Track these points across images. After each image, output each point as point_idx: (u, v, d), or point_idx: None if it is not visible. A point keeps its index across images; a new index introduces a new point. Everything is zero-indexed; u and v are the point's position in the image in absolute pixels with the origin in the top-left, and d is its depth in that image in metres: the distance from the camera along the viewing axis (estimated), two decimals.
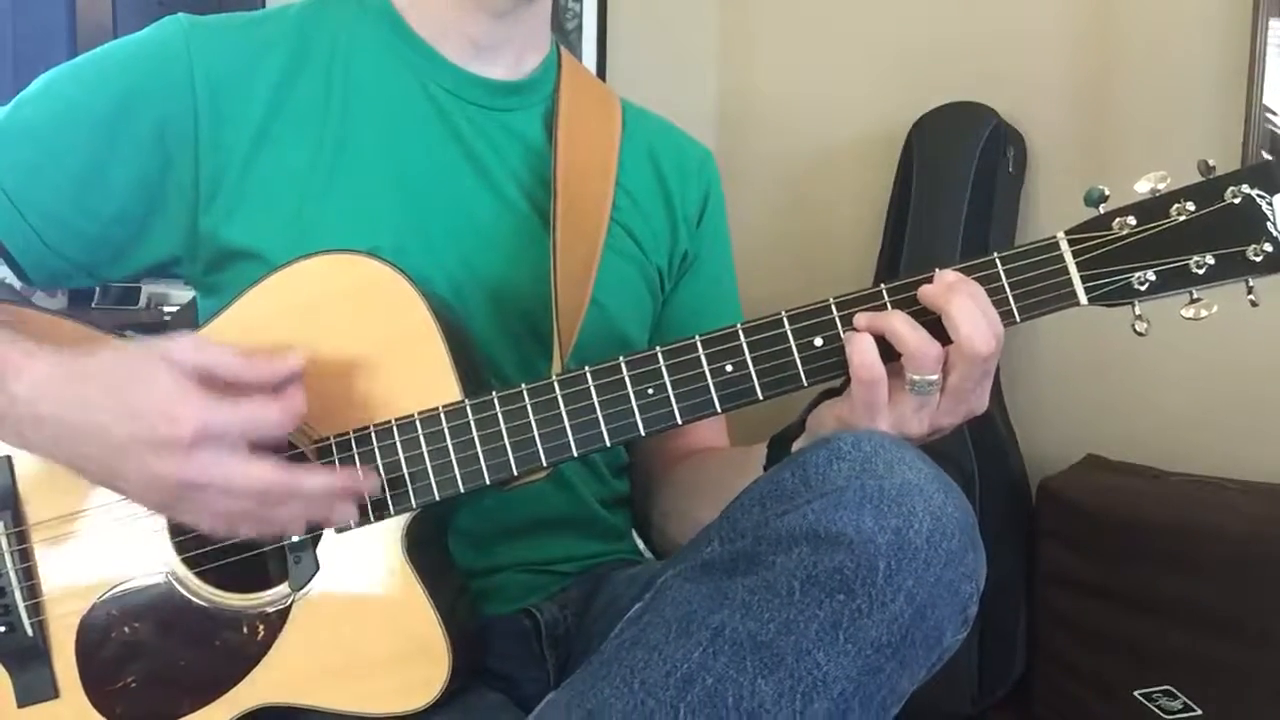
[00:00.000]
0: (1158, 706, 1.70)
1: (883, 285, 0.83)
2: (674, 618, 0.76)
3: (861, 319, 0.82)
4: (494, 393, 0.85)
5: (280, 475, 0.79)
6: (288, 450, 0.85)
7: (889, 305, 0.83)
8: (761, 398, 0.84)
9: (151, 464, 0.77)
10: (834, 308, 0.84)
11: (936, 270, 0.82)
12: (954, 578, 0.75)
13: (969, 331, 0.79)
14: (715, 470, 1.06)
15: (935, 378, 0.81)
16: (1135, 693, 1.72)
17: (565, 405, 0.84)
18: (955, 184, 2.02)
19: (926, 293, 0.82)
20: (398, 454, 0.85)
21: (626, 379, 0.84)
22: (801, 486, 0.76)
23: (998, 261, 0.82)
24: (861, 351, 0.81)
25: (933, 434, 0.85)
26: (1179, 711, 1.68)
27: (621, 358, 0.84)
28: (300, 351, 0.82)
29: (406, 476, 0.85)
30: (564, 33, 2.29)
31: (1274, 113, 1.79)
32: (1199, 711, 1.67)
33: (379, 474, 0.85)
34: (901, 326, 0.81)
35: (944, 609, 0.75)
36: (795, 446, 0.92)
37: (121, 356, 0.80)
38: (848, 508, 0.73)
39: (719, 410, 0.84)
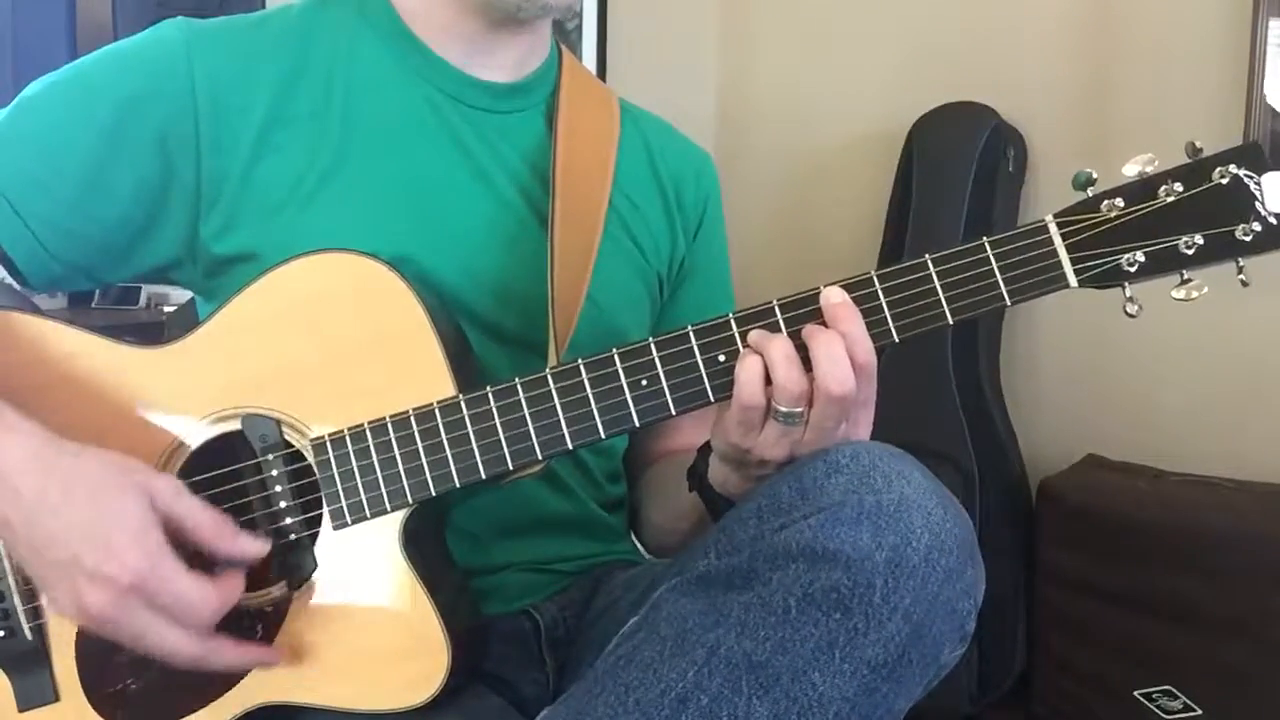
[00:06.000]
0: (1158, 706, 1.70)
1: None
2: (669, 635, 0.75)
3: (752, 338, 0.82)
4: (488, 387, 0.85)
5: (194, 649, 0.80)
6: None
7: (781, 325, 0.82)
8: None
9: (82, 589, 0.77)
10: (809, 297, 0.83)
11: (821, 287, 0.82)
12: (952, 595, 0.74)
13: (824, 371, 0.79)
14: (667, 470, 1.06)
15: (800, 410, 0.80)
16: (1135, 693, 1.72)
17: (559, 398, 0.84)
18: (955, 184, 2.03)
19: (808, 325, 0.82)
20: (393, 450, 0.85)
21: (620, 370, 0.83)
22: (798, 499, 0.76)
23: (988, 246, 0.82)
24: (748, 372, 0.81)
25: (791, 461, 0.83)
26: (1179, 711, 1.68)
27: (615, 349, 0.84)
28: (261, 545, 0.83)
29: (403, 472, 0.85)
30: (564, 33, 2.30)
31: (1275, 112, 1.79)
32: (1199, 711, 1.67)
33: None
34: (777, 356, 0.80)
35: (941, 627, 0.74)
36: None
37: (102, 469, 0.80)
38: (845, 524, 0.72)
39: (712, 400, 0.83)
